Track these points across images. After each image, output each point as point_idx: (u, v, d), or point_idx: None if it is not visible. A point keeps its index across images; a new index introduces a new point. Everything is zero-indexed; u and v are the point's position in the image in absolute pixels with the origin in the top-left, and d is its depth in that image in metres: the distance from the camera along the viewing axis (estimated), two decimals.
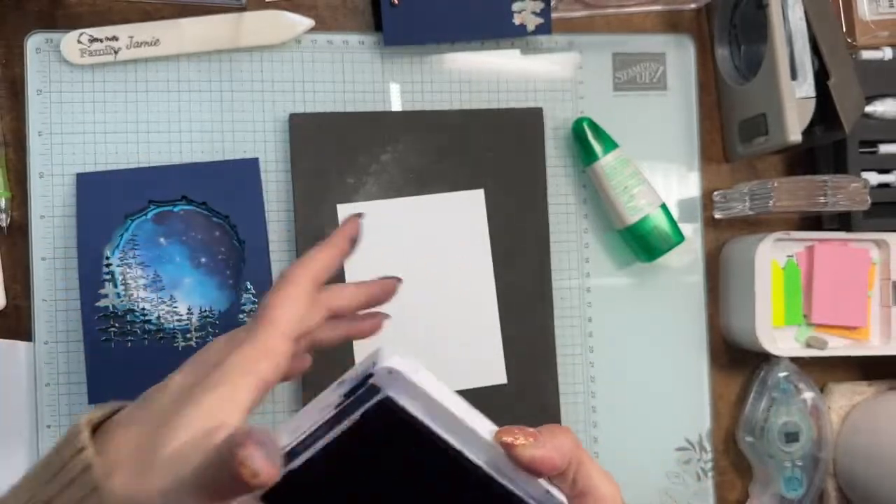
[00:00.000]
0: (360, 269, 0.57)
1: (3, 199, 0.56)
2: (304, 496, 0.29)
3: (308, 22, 0.59)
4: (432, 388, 0.28)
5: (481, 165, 0.60)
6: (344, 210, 0.58)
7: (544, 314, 0.60)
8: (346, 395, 0.28)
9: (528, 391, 0.59)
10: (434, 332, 0.59)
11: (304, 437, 0.28)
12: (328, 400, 0.28)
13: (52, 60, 0.57)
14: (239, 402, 0.32)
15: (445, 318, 0.59)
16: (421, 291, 0.58)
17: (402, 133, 0.59)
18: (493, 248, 0.60)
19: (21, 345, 0.56)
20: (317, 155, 0.58)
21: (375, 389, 0.27)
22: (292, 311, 0.37)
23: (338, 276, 0.57)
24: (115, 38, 0.56)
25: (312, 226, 0.58)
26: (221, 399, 0.32)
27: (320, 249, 0.41)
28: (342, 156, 0.58)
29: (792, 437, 0.62)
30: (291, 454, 0.28)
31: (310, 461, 0.28)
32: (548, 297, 0.60)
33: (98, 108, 0.57)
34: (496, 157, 0.60)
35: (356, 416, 0.27)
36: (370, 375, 0.27)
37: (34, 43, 0.57)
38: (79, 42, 0.56)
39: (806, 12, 0.58)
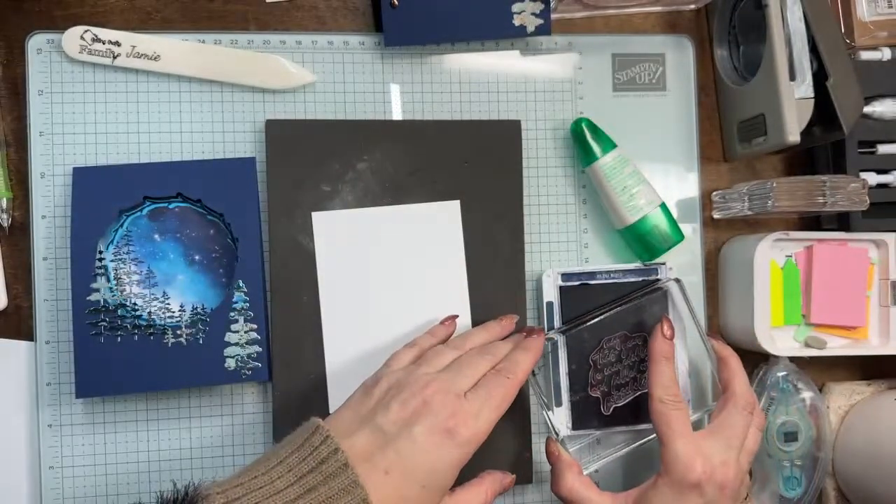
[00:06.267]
0: (332, 278, 0.58)
1: (5, 200, 0.56)
2: None
3: (310, 77, 0.59)
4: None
5: (458, 176, 0.60)
6: (319, 218, 0.58)
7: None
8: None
9: None
10: (406, 341, 0.58)
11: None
12: None
13: (53, 61, 0.57)
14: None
15: (418, 329, 0.58)
16: (394, 302, 0.58)
17: (380, 142, 0.59)
18: (467, 260, 0.60)
19: (23, 344, 0.57)
20: (293, 162, 0.58)
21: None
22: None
23: (312, 286, 0.57)
24: (117, 44, 0.57)
25: (285, 233, 0.57)
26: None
27: (527, 357, 0.52)
28: (318, 163, 0.58)
29: (791, 436, 0.62)
30: None
31: None
32: (521, 310, 0.60)
33: (99, 109, 0.57)
34: (473, 168, 0.60)
35: None
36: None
37: (35, 43, 0.57)
38: (81, 38, 0.56)
39: (805, 13, 0.58)
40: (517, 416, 0.59)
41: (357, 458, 0.43)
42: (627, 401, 0.60)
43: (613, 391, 0.60)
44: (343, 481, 0.41)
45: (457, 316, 0.57)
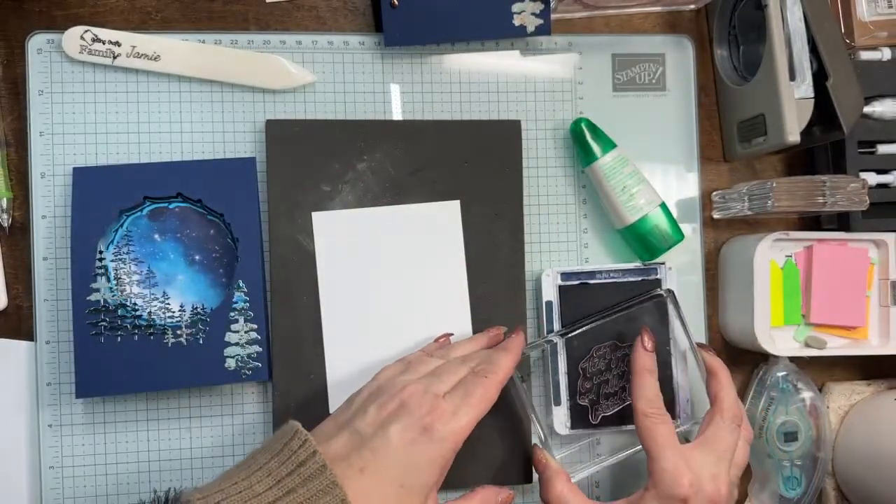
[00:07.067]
0: (332, 278, 0.58)
1: (5, 200, 0.56)
2: None
3: (310, 77, 0.59)
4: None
5: (458, 176, 0.60)
6: (319, 218, 0.58)
7: (517, 326, 0.60)
8: None
9: (498, 402, 0.59)
10: (406, 342, 0.58)
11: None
12: None
13: (53, 61, 0.57)
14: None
15: (418, 330, 0.58)
16: (394, 302, 0.58)
17: (379, 142, 0.59)
18: (467, 260, 0.60)
19: (23, 344, 0.57)
20: (293, 162, 0.58)
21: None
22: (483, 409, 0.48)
23: (312, 286, 0.57)
24: (117, 44, 0.57)
25: (285, 233, 0.58)
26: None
27: (506, 356, 0.52)
28: (318, 163, 0.58)
29: (791, 436, 0.62)
30: None
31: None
32: (521, 310, 0.60)
33: (99, 109, 0.57)
34: (473, 168, 0.60)
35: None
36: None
37: (35, 43, 0.57)
38: (81, 38, 0.56)
39: (805, 13, 0.58)
40: (517, 416, 0.59)
41: (333, 458, 0.44)
42: (616, 410, 0.60)
43: (602, 400, 0.60)
44: (322, 482, 0.42)
45: (451, 334, 0.58)
